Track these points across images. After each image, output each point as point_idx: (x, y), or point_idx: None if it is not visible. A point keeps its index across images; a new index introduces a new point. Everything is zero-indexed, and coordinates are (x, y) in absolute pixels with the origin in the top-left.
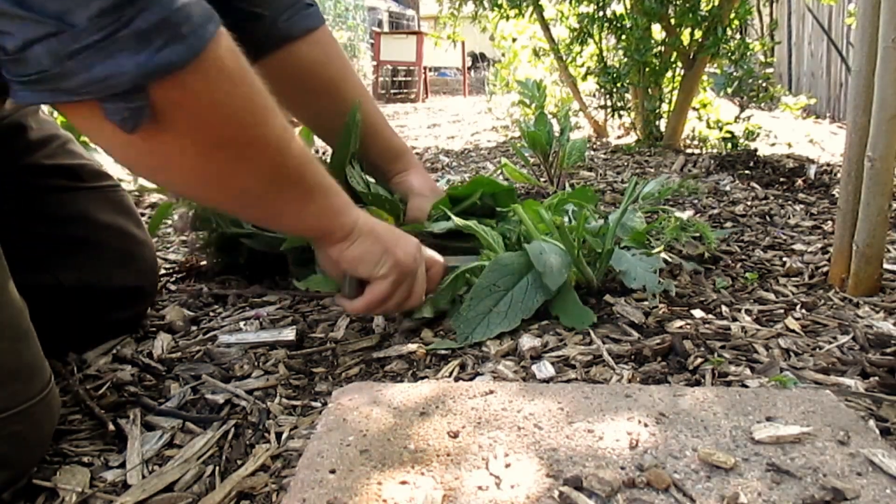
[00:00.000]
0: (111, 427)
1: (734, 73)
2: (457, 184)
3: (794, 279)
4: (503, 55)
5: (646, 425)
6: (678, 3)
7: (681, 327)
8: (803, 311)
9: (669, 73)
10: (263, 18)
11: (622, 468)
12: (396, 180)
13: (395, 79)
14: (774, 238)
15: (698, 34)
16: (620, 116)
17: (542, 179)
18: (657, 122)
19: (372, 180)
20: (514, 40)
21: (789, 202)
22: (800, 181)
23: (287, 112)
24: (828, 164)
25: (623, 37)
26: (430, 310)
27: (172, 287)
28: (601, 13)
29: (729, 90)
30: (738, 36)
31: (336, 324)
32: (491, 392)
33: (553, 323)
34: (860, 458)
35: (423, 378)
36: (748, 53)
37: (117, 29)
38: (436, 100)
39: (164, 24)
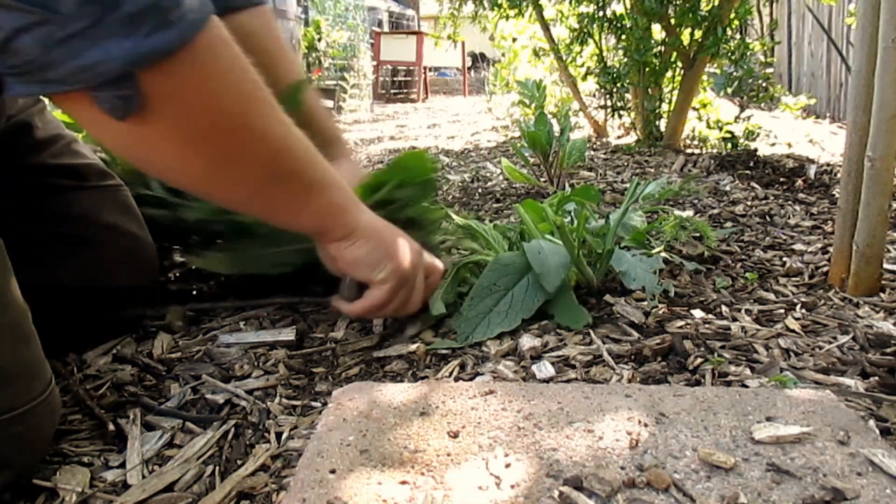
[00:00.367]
0: (111, 427)
1: (734, 73)
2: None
3: (794, 279)
4: (503, 55)
5: (646, 425)
6: (678, 3)
7: (681, 327)
8: (803, 311)
9: (669, 73)
10: None
11: (622, 468)
12: None
13: (395, 79)
14: (774, 238)
15: (698, 34)
16: (620, 116)
17: (541, 179)
18: (657, 122)
19: None
20: (514, 40)
21: (789, 202)
22: (800, 181)
23: None
24: (828, 164)
25: (623, 37)
26: (442, 305)
27: (172, 287)
28: (601, 13)
29: (729, 90)
30: (738, 36)
31: (336, 324)
32: (491, 392)
33: (553, 323)
34: (860, 458)
35: (423, 378)
36: (748, 53)
37: (104, 14)
38: (436, 100)
39: (152, 10)
